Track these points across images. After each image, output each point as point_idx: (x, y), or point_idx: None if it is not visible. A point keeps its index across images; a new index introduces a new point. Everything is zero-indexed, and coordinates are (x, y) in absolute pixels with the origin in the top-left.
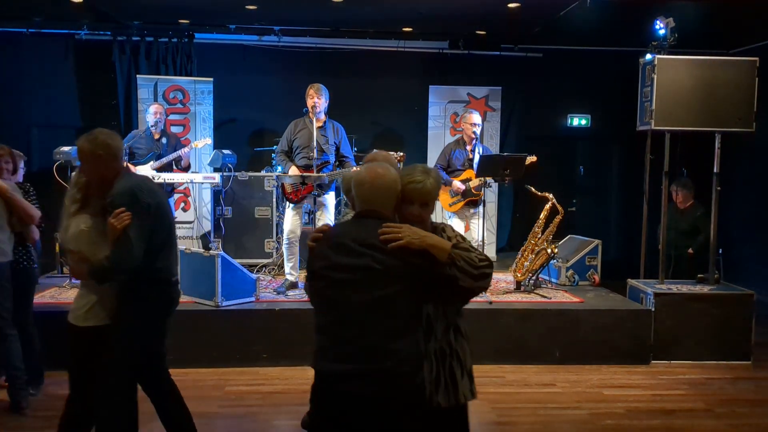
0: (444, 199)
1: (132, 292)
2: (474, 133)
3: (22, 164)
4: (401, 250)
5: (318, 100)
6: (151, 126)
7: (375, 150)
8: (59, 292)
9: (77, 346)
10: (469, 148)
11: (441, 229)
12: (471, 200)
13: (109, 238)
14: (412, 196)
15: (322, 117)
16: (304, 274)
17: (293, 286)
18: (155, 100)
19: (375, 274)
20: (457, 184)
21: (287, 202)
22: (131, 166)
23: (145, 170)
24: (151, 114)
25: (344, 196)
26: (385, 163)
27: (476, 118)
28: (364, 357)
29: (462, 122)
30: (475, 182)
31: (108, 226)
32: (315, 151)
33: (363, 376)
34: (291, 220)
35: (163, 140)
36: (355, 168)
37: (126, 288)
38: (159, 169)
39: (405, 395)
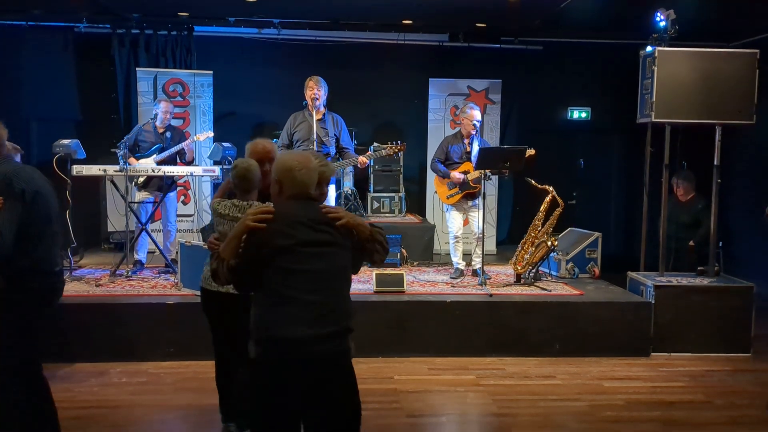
0: (442, 191)
1: (12, 281)
2: (474, 126)
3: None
4: (344, 227)
5: (318, 92)
6: (160, 119)
7: (257, 139)
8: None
9: None
10: (466, 141)
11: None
12: (469, 193)
13: None
14: (322, 178)
15: (322, 109)
16: None
17: None
18: (155, 93)
19: (335, 247)
20: (456, 174)
21: None
22: (133, 159)
23: (148, 163)
24: (161, 110)
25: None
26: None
27: (476, 114)
28: (334, 319)
29: (462, 117)
30: (473, 175)
31: None
32: (315, 143)
33: (335, 336)
34: None
35: (168, 134)
36: (362, 158)
37: (6, 277)
38: (161, 162)
39: (350, 351)
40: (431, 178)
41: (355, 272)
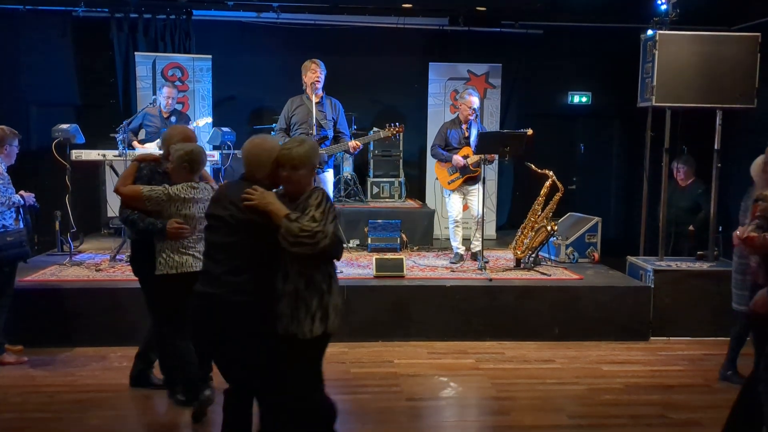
0: (443, 177)
1: None
2: (474, 111)
3: (16, 142)
4: (250, 208)
5: (320, 75)
6: (163, 107)
7: (175, 125)
8: (60, 270)
9: None
10: (464, 126)
11: (308, 195)
12: (469, 177)
13: None
14: (283, 161)
15: (320, 92)
16: None
17: None
18: (154, 77)
19: (228, 225)
20: (457, 158)
21: None
22: (138, 144)
23: (152, 147)
24: (164, 96)
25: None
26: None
27: (474, 100)
28: (212, 284)
29: (460, 102)
30: (472, 159)
31: None
32: (315, 127)
33: (210, 297)
34: None
35: (173, 119)
36: (352, 142)
37: None
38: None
39: (237, 317)
40: (431, 163)
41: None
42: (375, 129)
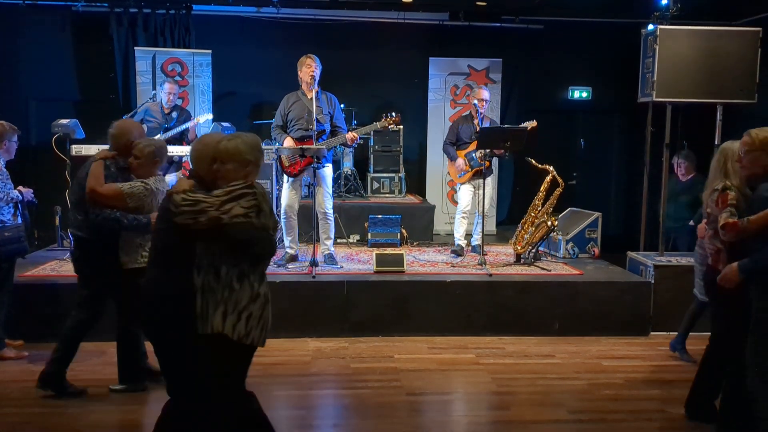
0: (453, 170)
1: None
2: (483, 102)
3: (15, 138)
4: (169, 197)
5: (316, 70)
6: (164, 103)
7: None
8: (60, 265)
9: None
10: (475, 122)
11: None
12: (478, 171)
13: None
14: (216, 155)
15: (316, 87)
16: (303, 246)
17: (293, 259)
18: (153, 72)
19: (160, 214)
20: (459, 162)
21: (285, 177)
22: None
23: None
24: (165, 92)
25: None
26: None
27: (485, 94)
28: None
29: (472, 96)
30: (480, 153)
31: None
32: (315, 122)
33: (158, 302)
34: (288, 195)
35: (174, 114)
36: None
37: None
38: (166, 142)
39: (164, 310)
40: (431, 158)
41: (214, 245)
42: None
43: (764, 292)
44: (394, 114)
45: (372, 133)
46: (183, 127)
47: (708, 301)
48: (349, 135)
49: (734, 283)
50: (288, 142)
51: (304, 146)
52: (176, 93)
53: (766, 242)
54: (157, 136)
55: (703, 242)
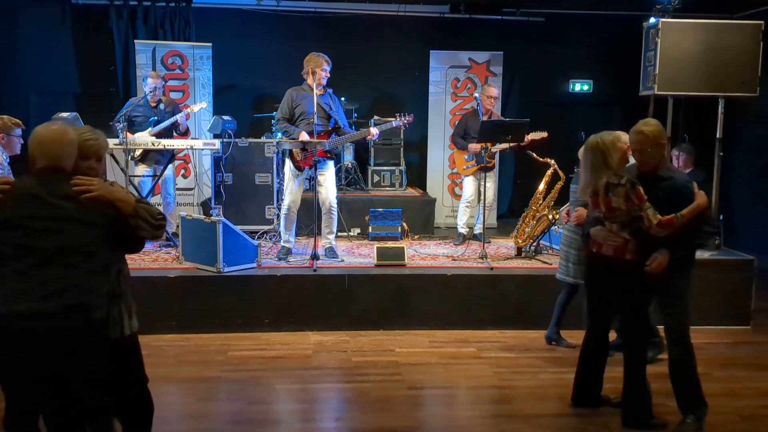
0: (459, 162)
1: None
2: (494, 101)
3: (17, 132)
4: (93, 201)
5: (329, 71)
6: (149, 94)
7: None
8: None
9: None
10: (485, 117)
11: (111, 184)
12: (483, 166)
13: None
14: (89, 152)
15: (324, 85)
16: (304, 240)
17: (288, 252)
18: (154, 65)
19: (74, 223)
20: (473, 145)
21: (291, 171)
22: (129, 135)
23: (144, 137)
24: (148, 84)
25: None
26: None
27: (494, 91)
28: (68, 295)
29: (481, 94)
30: (497, 148)
31: None
32: (327, 119)
33: (65, 311)
34: (296, 191)
35: (161, 106)
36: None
37: None
38: (158, 135)
39: (94, 327)
40: (432, 151)
41: (133, 249)
42: (375, 117)
43: (686, 271)
44: (406, 114)
45: (372, 124)
46: (172, 119)
47: (584, 282)
48: (373, 129)
49: (663, 269)
50: (304, 136)
51: (319, 140)
52: (161, 85)
53: (691, 230)
54: (148, 130)
55: (572, 226)
